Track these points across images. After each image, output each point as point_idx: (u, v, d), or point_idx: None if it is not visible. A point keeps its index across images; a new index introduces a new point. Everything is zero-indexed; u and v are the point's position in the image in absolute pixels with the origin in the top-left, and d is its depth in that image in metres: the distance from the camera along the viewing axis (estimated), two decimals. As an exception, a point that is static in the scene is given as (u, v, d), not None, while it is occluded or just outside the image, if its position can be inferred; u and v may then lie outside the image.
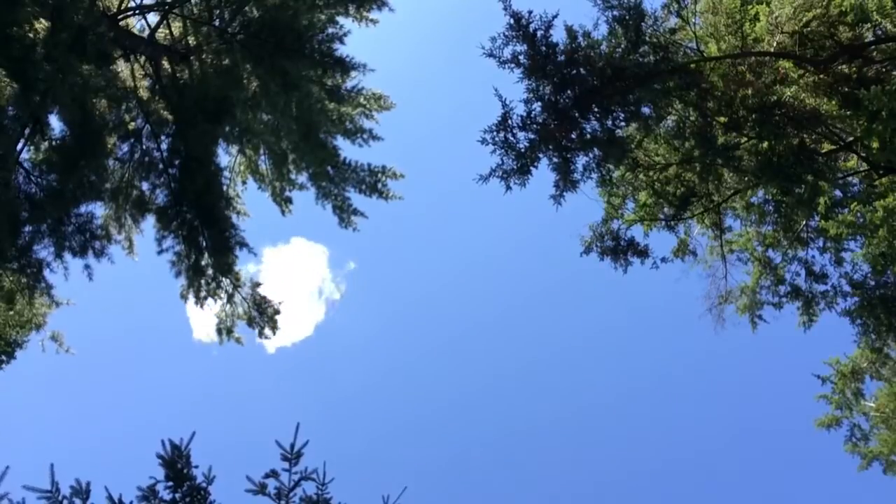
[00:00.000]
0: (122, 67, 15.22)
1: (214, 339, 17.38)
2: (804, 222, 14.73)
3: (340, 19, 15.33)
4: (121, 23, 15.12)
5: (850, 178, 14.48)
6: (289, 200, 18.65)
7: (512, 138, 11.09)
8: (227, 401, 33.06)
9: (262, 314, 17.03)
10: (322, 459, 6.58)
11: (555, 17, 10.90)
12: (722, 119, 12.33)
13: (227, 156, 17.90)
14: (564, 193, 11.34)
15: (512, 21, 10.75)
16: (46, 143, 14.29)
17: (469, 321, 35.29)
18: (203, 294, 16.31)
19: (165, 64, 15.73)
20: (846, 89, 11.92)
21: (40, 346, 16.29)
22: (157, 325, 32.06)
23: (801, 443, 31.63)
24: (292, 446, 6.49)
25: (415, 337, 35.21)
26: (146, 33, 15.55)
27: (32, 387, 29.29)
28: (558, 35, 11.24)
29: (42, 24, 11.86)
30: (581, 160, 11.56)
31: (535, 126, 11.07)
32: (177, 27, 15.82)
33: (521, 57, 10.93)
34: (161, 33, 15.48)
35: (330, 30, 14.94)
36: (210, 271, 16.11)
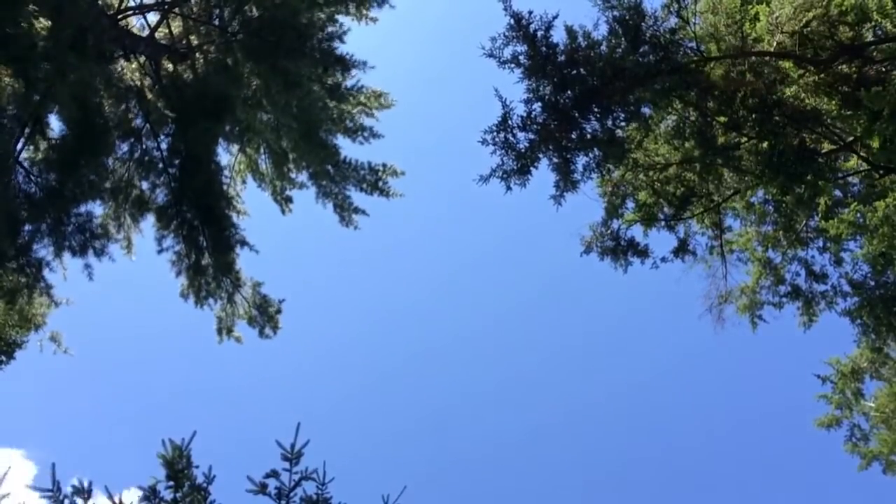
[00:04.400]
0: (122, 66, 15.22)
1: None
2: (804, 222, 14.72)
3: (340, 17, 15.37)
4: (121, 22, 15.13)
5: (850, 178, 14.47)
6: (289, 199, 18.66)
7: (512, 139, 11.10)
8: (228, 399, 33.08)
9: (263, 313, 17.03)
10: (323, 459, 6.60)
11: (555, 17, 10.91)
12: (722, 119, 12.32)
13: (227, 155, 17.92)
14: (565, 194, 11.36)
15: (512, 21, 10.76)
16: (46, 143, 14.30)
17: (468, 322, 35.32)
18: (203, 294, 16.32)
19: (166, 63, 15.73)
20: (846, 89, 11.90)
21: (38, 346, 16.25)
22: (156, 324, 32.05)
23: (801, 443, 31.66)
24: (292, 446, 6.49)
25: (412, 336, 35.22)
26: (146, 32, 15.55)
27: (34, 386, 29.30)
28: (558, 35, 11.25)
29: (42, 23, 11.85)
30: (581, 160, 11.58)
31: (535, 126, 11.07)
32: (177, 26, 15.82)
33: (521, 57, 10.94)
34: (161, 32, 15.49)
35: (330, 28, 14.96)
36: (210, 271, 16.12)
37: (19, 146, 13.98)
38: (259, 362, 33.71)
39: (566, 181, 11.34)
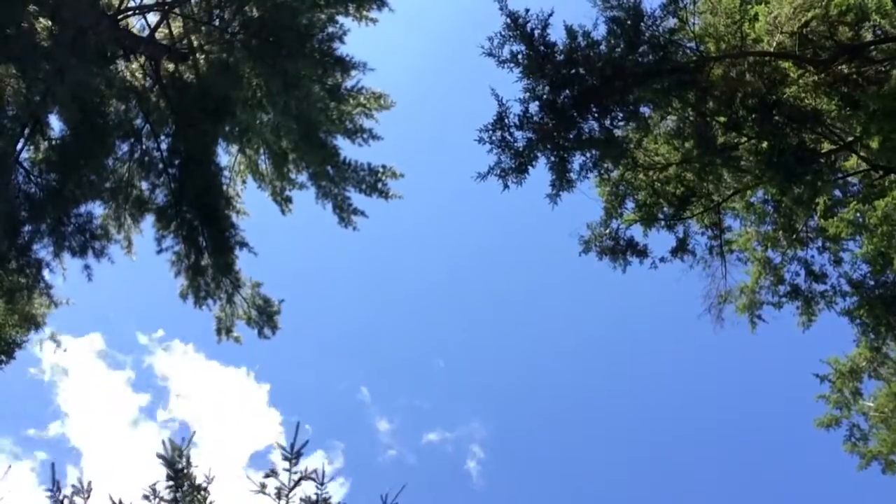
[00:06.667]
0: (122, 67, 15.23)
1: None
2: (804, 222, 14.71)
3: (340, 18, 15.36)
4: (121, 22, 15.13)
5: (849, 178, 14.47)
6: (289, 200, 18.63)
7: (509, 137, 11.11)
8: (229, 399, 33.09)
9: (262, 314, 17.02)
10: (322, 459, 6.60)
11: (550, 15, 10.84)
12: (721, 119, 12.31)
13: (227, 155, 17.89)
14: (561, 193, 11.36)
15: (509, 21, 10.76)
16: (46, 143, 14.31)
17: (467, 322, 35.32)
18: (203, 294, 16.32)
19: (166, 63, 15.74)
20: (846, 89, 11.90)
21: (38, 346, 16.26)
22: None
23: (800, 442, 31.66)
24: (292, 446, 6.50)
25: (411, 336, 35.23)
26: (146, 33, 15.56)
27: (35, 384, 29.31)
28: (557, 35, 11.24)
29: (42, 23, 11.86)
30: (578, 160, 11.58)
31: (532, 125, 11.08)
32: (177, 27, 15.82)
33: (519, 56, 10.94)
34: (161, 33, 15.49)
35: (330, 29, 14.96)
36: (210, 271, 16.12)
37: (19, 146, 14.00)
38: (258, 362, 33.74)
39: (562, 180, 11.34)
